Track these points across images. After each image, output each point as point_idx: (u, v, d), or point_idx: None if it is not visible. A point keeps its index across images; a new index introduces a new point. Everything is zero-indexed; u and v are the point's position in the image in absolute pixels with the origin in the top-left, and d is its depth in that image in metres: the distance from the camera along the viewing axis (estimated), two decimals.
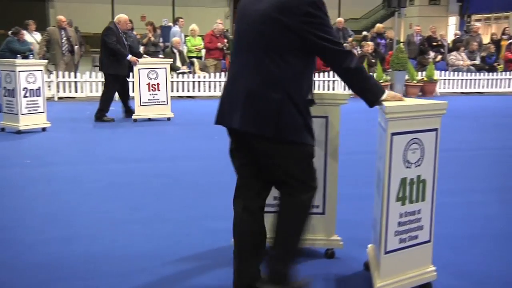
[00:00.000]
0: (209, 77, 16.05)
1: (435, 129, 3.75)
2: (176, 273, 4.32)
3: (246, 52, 3.53)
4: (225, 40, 17.41)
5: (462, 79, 17.46)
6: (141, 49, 16.75)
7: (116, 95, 12.06)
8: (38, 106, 9.99)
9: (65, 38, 15.00)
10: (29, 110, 9.88)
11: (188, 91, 15.79)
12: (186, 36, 17.10)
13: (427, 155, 3.75)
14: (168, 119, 11.86)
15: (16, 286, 4.04)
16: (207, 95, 15.77)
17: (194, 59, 16.56)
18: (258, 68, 3.42)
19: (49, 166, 7.63)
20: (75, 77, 14.91)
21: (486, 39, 23.43)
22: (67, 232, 5.11)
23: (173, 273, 4.31)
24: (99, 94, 14.70)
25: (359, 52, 17.51)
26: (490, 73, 17.87)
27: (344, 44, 17.04)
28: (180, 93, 15.61)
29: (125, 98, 12.14)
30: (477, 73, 17.72)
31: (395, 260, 3.76)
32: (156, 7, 34.27)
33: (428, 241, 3.93)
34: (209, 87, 15.99)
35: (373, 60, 16.78)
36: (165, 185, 6.88)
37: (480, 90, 17.60)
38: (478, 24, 27.18)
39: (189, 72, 16.10)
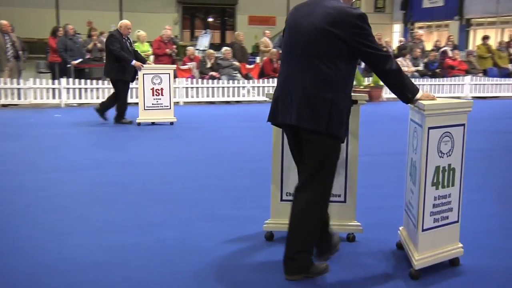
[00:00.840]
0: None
1: (463, 124, 4.38)
2: (125, 284, 4.27)
3: (300, 58, 4.19)
4: (174, 46, 17.61)
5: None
6: (87, 55, 16.98)
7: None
8: None
9: (9, 44, 14.87)
10: None
11: (137, 97, 15.05)
12: (134, 42, 17.02)
13: (456, 146, 4.40)
14: (171, 123, 12.18)
15: None
16: None
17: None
18: (312, 72, 4.11)
19: None
20: (17, 82, 14.65)
21: (429, 46, 24.22)
22: (13, 244, 5.00)
23: (122, 284, 4.26)
24: (44, 101, 14.82)
25: None
26: (433, 79, 18.54)
27: None
28: (128, 99, 15.29)
29: (113, 103, 12.28)
30: (421, 79, 18.28)
31: (430, 237, 4.36)
32: (103, 13, 33.80)
33: (457, 222, 4.56)
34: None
35: None
36: (112, 193, 6.74)
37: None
38: (421, 31, 28.42)
39: (137, 79, 16.14)
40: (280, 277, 4.24)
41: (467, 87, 18.58)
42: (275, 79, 16.46)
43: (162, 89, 12.24)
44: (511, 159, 9.16)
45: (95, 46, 16.92)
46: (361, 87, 16.57)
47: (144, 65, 12.02)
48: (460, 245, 4.61)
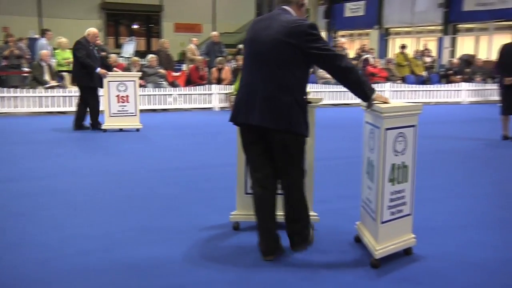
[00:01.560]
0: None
1: (414, 125, 4.88)
2: None
3: (261, 66, 4.81)
4: (103, 53, 17.18)
5: (331, 91, 18.69)
6: (3, 62, 16.64)
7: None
8: None
9: None
10: None
11: (59, 106, 15.64)
12: (55, 49, 16.84)
13: (408, 146, 4.90)
14: (137, 130, 12.53)
15: None
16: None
17: (65, 73, 16.46)
18: (273, 78, 4.75)
19: None
20: None
21: (351, 54, 25.01)
22: None
23: None
24: None
25: (234, 66, 18.17)
26: None
27: (220, 58, 18.36)
28: (50, 109, 15.54)
29: (85, 109, 12.74)
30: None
31: (388, 229, 4.82)
32: (20, 18, 33.33)
33: (409, 214, 5.07)
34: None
35: None
36: (34, 205, 6.59)
37: (347, 102, 18.57)
38: (343, 39, 29.34)
39: (59, 86, 15.95)
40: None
41: (387, 94, 18.95)
42: (202, 87, 16.97)
43: (127, 96, 12.59)
44: (451, 160, 9.68)
45: (12, 53, 16.65)
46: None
47: (109, 73, 12.46)
48: (413, 235, 5.13)
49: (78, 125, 12.69)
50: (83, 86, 12.61)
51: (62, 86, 16.25)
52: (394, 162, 4.81)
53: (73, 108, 15.38)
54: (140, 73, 14.69)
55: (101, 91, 12.72)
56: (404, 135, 4.85)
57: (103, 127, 12.43)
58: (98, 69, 12.20)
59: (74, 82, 13.57)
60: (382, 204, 4.76)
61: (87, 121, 12.76)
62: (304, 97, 4.92)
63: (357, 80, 4.82)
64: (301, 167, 5.04)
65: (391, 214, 4.88)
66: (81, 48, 12.29)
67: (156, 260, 5.00)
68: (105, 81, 12.35)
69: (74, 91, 15.83)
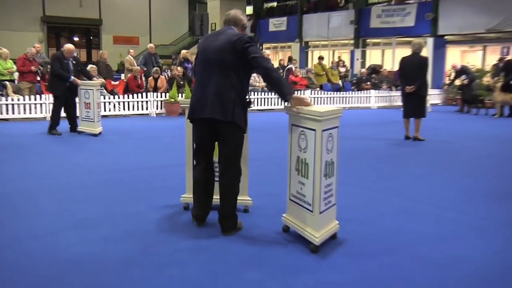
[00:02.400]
0: (24, 100, 15.64)
1: (338, 127, 5.08)
2: None
3: (211, 71, 5.41)
4: (38, 64, 17.16)
5: (257, 98, 18.76)
6: None
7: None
8: None
9: None
10: None
11: (1, 113, 15.25)
12: None
13: (335, 144, 5.12)
14: (95, 135, 12.50)
15: None
16: (23, 117, 15.46)
17: (7, 82, 16.04)
18: (220, 80, 5.35)
19: None
20: None
21: (276, 64, 24.88)
22: None
23: None
24: None
25: (169, 75, 18.30)
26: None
27: (156, 68, 18.29)
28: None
29: (69, 116, 13.12)
30: (270, 93, 18.88)
31: (324, 218, 4.98)
32: None
33: (335, 204, 5.25)
34: (24, 109, 15.59)
35: (181, 82, 17.45)
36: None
37: (271, 107, 18.98)
38: (268, 51, 29.60)
39: (2, 95, 15.58)
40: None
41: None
42: (139, 94, 16.87)
43: (89, 103, 12.71)
44: (362, 157, 9.78)
45: None
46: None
47: (79, 82, 12.75)
48: (337, 222, 5.34)
49: (74, 127, 13.08)
50: (53, 94, 13.13)
51: (4, 95, 15.83)
52: (327, 159, 4.93)
53: (16, 116, 15.48)
54: (99, 81, 14.59)
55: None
56: (332, 135, 4.99)
57: (78, 129, 12.98)
58: (72, 78, 12.53)
59: (48, 90, 14.18)
60: (320, 197, 4.88)
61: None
62: (246, 97, 5.52)
63: (278, 79, 5.34)
64: (238, 164, 5.60)
65: (325, 204, 5.03)
66: (55, 60, 12.67)
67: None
68: (79, 89, 12.84)
69: (16, 99, 15.67)
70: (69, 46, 12.95)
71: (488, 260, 4.93)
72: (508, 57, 19.33)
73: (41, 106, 15.80)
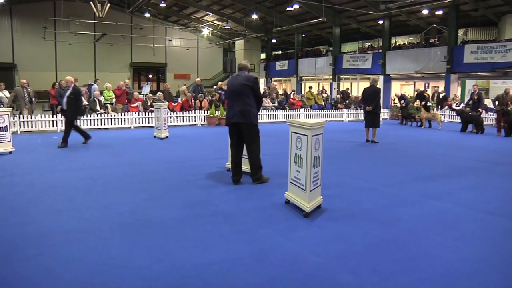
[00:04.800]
0: (118, 115, 15.57)
1: (322, 133, 5.14)
2: (100, 240, 4.14)
3: (236, 96, 6.46)
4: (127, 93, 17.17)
5: (268, 114, 18.46)
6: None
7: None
8: (6, 137, 9.44)
9: (26, 94, 14.43)
10: (1, 140, 9.37)
11: (105, 124, 15.26)
12: (102, 90, 16.62)
13: (320, 145, 5.13)
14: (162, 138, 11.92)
15: None
16: (117, 127, 15.38)
17: (108, 105, 16.25)
18: (242, 101, 6.37)
19: (13, 176, 7.11)
20: (31, 118, 14.06)
21: (280, 91, 24.73)
22: (22, 218, 4.77)
23: (97, 240, 4.13)
24: (47, 129, 14.17)
25: (210, 99, 18.37)
26: (283, 110, 18.94)
27: (201, 94, 18.34)
28: (99, 126, 15.11)
29: (78, 131, 11.19)
30: (276, 111, 18.75)
31: (312, 194, 5.03)
32: (84, 73, 33.20)
33: (320, 185, 5.27)
34: (118, 122, 15.47)
35: (218, 103, 17.37)
36: (88, 185, 6.43)
37: (278, 120, 18.51)
38: (275, 83, 29.54)
39: (105, 113, 15.66)
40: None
41: (302, 115, 18.94)
42: (190, 112, 16.91)
43: (159, 117, 12.52)
44: (337, 153, 9.63)
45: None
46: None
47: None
48: (321, 197, 5.36)
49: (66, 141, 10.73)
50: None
51: (107, 113, 15.91)
52: (315, 155, 4.89)
53: (113, 126, 15.33)
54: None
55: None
56: (318, 139, 4.95)
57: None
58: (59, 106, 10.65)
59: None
60: (310, 180, 4.86)
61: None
62: (257, 109, 6.55)
63: (261, 103, 6.69)
64: (257, 143, 6.46)
65: (313, 185, 5.04)
66: (58, 91, 11.27)
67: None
68: None
69: (114, 115, 15.66)
70: (67, 78, 10.90)
71: (416, 220, 4.96)
72: (420, 89, 20.00)
73: (128, 120, 15.79)
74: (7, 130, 9.54)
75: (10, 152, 9.54)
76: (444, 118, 19.17)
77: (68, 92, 10.60)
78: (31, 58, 34.73)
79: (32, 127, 14.13)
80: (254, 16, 29.31)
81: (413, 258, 3.89)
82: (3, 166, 8.17)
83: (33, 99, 15.07)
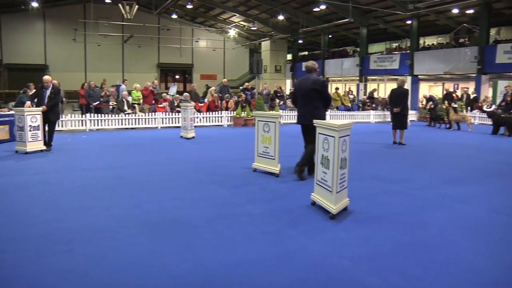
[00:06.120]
0: (145, 116, 15.84)
1: (349, 135, 5.09)
2: (128, 238, 4.18)
3: (305, 99, 6.80)
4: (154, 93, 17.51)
5: (295, 115, 17.56)
6: (101, 99, 16.46)
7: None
8: (38, 136, 9.68)
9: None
10: (32, 139, 9.59)
11: (132, 124, 15.51)
12: (130, 91, 16.87)
13: (347, 147, 5.08)
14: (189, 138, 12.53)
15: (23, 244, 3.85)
16: (144, 127, 15.60)
17: (136, 105, 16.41)
18: (310, 104, 6.70)
19: (44, 174, 7.31)
20: (62, 118, 14.28)
21: None
22: (53, 215, 4.87)
23: (126, 238, 4.18)
24: (76, 128, 14.52)
25: (236, 99, 18.33)
26: None
27: (227, 95, 18.40)
28: (127, 126, 15.36)
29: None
30: None
31: (339, 196, 4.96)
32: (113, 73, 33.84)
33: (347, 187, 5.21)
34: (145, 122, 15.73)
35: (244, 104, 17.45)
36: (115, 184, 6.49)
37: (291, 121, 17.76)
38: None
39: (133, 113, 15.88)
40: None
41: (328, 116, 18.73)
42: (216, 112, 17.00)
43: (185, 117, 12.68)
44: (364, 155, 9.59)
45: (105, 94, 16.54)
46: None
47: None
48: (348, 199, 5.28)
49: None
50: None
51: (134, 113, 16.13)
52: (342, 156, 4.85)
53: (140, 126, 15.55)
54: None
55: None
56: (345, 140, 4.90)
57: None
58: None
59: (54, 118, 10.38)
60: (336, 182, 4.82)
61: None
62: (324, 111, 6.81)
63: (329, 104, 6.98)
64: (314, 144, 5.99)
65: (340, 187, 4.98)
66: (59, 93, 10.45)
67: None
68: None
69: (141, 115, 15.88)
70: (45, 77, 10.24)
71: (443, 224, 4.85)
72: (449, 89, 19.72)
73: (156, 120, 15.97)
74: (39, 129, 9.79)
75: (41, 151, 9.77)
76: (474, 120, 18.72)
77: (48, 92, 10.06)
78: (62, 59, 35.57)
79: (62, 126, 14.44)
80: (281, 17, 29.26)
81: (442, 263, 3.82)
82: (35, 164, 8.37)
83: (64, 99, 15.41)
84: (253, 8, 31.42)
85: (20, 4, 30.20)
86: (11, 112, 11.69)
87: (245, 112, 16.81)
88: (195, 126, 13.31)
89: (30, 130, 9.58)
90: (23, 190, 6.18)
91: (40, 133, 9.81)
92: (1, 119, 11.44)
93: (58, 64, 35.22)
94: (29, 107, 9.91)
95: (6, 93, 26.26)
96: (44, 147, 9.90)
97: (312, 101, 6.65)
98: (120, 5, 23.68)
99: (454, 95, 19.70)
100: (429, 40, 29.86)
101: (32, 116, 9.67)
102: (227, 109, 17.54)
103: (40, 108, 9.92)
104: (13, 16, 33.79)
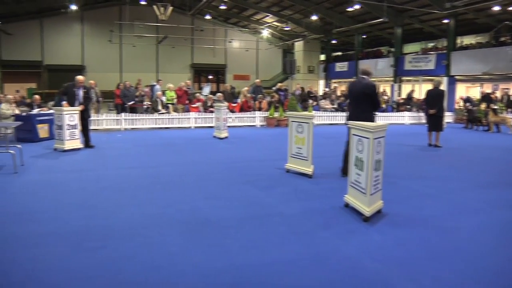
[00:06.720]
0: (179, 115, 15.98)
1: (384, 136, 5.01)
2: (159, 236, 4.24)
3: (356, 101, 6.82)
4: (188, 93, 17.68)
5: (328, 116, 18.16)
6: (136, 99, 16.65)
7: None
8: (75, 135, 9.94)
9: (94, 93, 14.83)
10: (70, 137, 9.83)
11: (166, 124, 15.65)
12: (164, 90, 17.06)
13: (382, 148, 4.99)
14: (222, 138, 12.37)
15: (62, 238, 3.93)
16: (178, 126, 15.72)
17: (170, 105, 16.55)
18: (359, 107, 6.71)
19: (81, 172, 7.47)
20: (97, 117, 14.77)
21: (339, 93, 24.21)
22: (88, 211, 5.01)
23: (157, 236, 4.23)
24: (112, 127, 14.81)
25: (269, 100, 18.08)
26: (343, 113, 17.92)
27: (260, 95, 18.43)
28: (161, 125, 15.53)
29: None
30: (336, 113, 18.42)
31: (372, 198, 4.90)
32: (147, 74, 34.26)
33: (381, 189, 5.13)
34: (179, 121, 15.86)
35: (277, 105, 17.35)
36: (149, 183, 6.59)
37: (337, 122, 17.90)
38: (335, 84, 29.23)
39: (167, 112, 16.04)
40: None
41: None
42: (249, 112, 17.04)
43: (219, 117, 12.68)
44: (399, 157, 9.40)
45: (140, 94, 16.77)
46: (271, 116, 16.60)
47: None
48: (382, 201, 5.21)
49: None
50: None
51: (168, 113, 16.30)
52: (376, 158, 4.78)
53: (174, 125, 15.65)
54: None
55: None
56: (380, 142, 4.82)
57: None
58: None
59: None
60: (371, 184, 4.75)
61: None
62: (371, 115, 6.73)
63: (378, 106, 6.84)
64: None
65: (374, 189, 4.92)
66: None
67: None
68: None
69: (175, 115, 16.04)
70: (79, 77, 10.43)
71: (479, 229, 4.73)
72: (487, 90, 18.98)
73: (189, 119, 16.11)
74: (76, 128, 10.05)
75: (79, 149, 10.01)
76: None
77: (81, 92, 10.36)
78: (98, 60, 36.41)
79: (97, 125, 14.78)
80: (314, 17, 29.06)
81: (478, 270, 3.70)
82: (72, 161, 8.60)
83: (100, 98, 15.76)
84: (286, 8, 31.32)
85: (60, 8, 31.13)
86: (51, 111, 12.03)
87: (278, 113, 16.77)
88: (228, 126, 13.34)
89: (68, 129, 9.84)
90: (60, 187, 6.35)
91: (77, 131, 10.06)
92: (42, 118, 11.78)
93: (94, 65, 36.08)
94: (66, 106, 10.18)
95: (46, 93, 27.06)
96: (81, 145, 10.14)
97: (361, 104, 6.73)
98: (154, 6, 24.05)
99: (493, 96, 19.09)
100: (467, 40, 29.04)
101: (70, 115, 9.92)
102: (260, 109, 17.54)
103: (79, 108, 10.20)
104: (53, 20, 34.84)
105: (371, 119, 6.64)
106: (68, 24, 35.63)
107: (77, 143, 10.08)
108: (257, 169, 7.82)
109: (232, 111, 17.26)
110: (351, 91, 7.02)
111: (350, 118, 6.86)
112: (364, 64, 6.99)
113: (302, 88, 19.72)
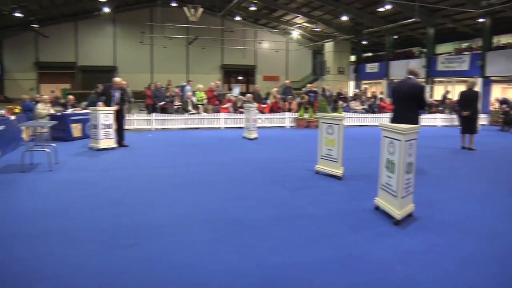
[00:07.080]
0: (209, 116, 16.12)
1: (416, 138, 4.93)
2: (189, 236, 4.27)
3: (400, 102, 7.02)
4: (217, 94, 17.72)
5: (358, 117, 17.98)
6: (166, 99, 16.88)
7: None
8: (110, 134, 10.18)
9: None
10: (105, 136, 10.07)
11: (196, 124, 15.81)
12: (194, 91, 17.24)
13: (414, 151, 4.92)
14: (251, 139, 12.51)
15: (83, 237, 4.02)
16: (208, 127, 15.89)
17: (200, 105, 16.70)
18: (403, 108, 6.84)
19: (113, 170, 7.62)
20: (129, 117, 14.83)
21: (369, 94, 24.60)
22: (119, 210, 5.08)
23: (188, 236, 4.27)
24: (143, 126, 15.02)
25: (299, 101, 17.99)
26: (373, 114, 18.32)
27: (290, 96, 18.39)
28: (191, 126, 15.69)
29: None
30: (366, 114, 18.25)
31: (404, 201, 4.83)
32: (177, 74, 34.89)
33: (412, 192, 5.04)
34: (209, 122, 16.01)
35: (307, 106, 17.32)
36: (177, 181, 6.67)
37: (367, 123, 17.91)
38: (365, 86, 28.82)
39: (197, 113, 16.22)
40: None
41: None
42: (279, 113, 17.02)
43: (249, 118, 12.78)
44: (431, 160, 9.21)
45: (171, 94, 16.92)
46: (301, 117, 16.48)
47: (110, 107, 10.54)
48: (413, 205, 5.11)
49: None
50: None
51: (198, 113, 16.44)
52: (408, 161, 4.72)
53: (204, 125, 15.77)
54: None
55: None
56: (412, 144, 4.75)
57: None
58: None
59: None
60: (402, 187, 4.69)
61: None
62: (415, 116, 6.90)
63: (425, 106, 7.16)
64: None
65: (405, 192, 4.85)
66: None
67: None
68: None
69: (205, 115, 16.14)
70: (116, 79, 10.80)
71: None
72: None
73: (219, 120, 16.22)
74: (111, 127, 10.28)
75: (113, 148, 10.24)
76: None
77: (117, 93, 10.63)
78: (130, 61, 37.14)
79: (129, 125, 15.03)
80: (344, 18, 28.82)
81: None
82: (105, 160, 8.79)
83: (131, 99, 16.04)
84: (316, 9, 31.17)
85: (94, 11, 31.92)
86: (84, 111, 12.31)
87: (308, 114, 16.70)
88: (257, 127, 13.35)
89: (102, 128, 10.07)
90: (93, 185, 6.50)
91: (112, 131, 10.29)
92: (75, 117, 12.08)
93: (126, 66, 36.82)
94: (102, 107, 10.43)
95: (80, 93, 27.76)
96: (116, 145, 10.37)
97: (406, 105, 6.82)
98: (185, 8, 24.33)
99: None
100: (504, 39, 28.19)
101: (105, 115, 10.16)
102: (289, 110, 17.51)
103: (114, 108, 10.46)
104: (87, 22, 35.79)
105: (416, 121, 6.69)
106: (101, 26, 36.51)
107: (111, 142, 10.31)
108: (286, 170, 7.81)
109: (262, 112, 17.28)
110: (396, 91, 7.10)
111: (395, 118, 6.98)
112: (411, 65, 7.06)
113: (323, 89, 19.55)
